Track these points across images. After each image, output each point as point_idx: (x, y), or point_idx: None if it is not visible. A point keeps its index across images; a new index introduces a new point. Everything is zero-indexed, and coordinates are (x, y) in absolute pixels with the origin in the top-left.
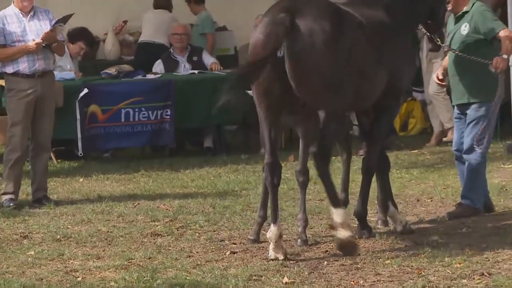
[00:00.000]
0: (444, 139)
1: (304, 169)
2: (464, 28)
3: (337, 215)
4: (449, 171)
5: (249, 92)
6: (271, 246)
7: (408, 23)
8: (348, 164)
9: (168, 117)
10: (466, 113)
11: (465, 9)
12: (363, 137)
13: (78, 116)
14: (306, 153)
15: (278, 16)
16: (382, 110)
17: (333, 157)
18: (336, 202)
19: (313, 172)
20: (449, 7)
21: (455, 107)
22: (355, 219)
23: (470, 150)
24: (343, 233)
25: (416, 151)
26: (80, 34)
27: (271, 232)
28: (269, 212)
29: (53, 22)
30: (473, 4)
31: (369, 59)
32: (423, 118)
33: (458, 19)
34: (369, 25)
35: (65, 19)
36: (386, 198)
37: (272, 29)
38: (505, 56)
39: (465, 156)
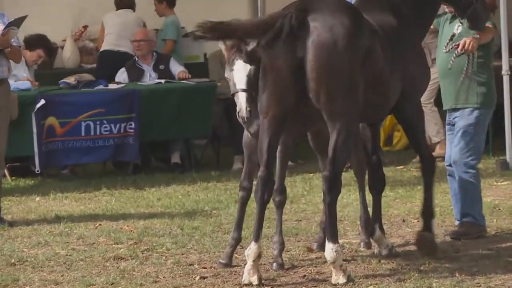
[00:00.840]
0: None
1: (281, 188)
2: (458, 28)
3: (331, 252)
4: (437, 189)
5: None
6: (247, 266)
7: (420, 25)
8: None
9: (132, 130)
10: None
11: None
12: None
13: (34, 130)
14: (284, 169)
15: (289, 14)
16: (407, 119)
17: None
18: (334, 238)
19: (289, 190)
20: (448, 8)
21: (447, 116)
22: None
23: (460, 162)
24: (335, 278)
25: (401, 167)
26: (39, 41)
27: (250, 250)
28: (244, 233)
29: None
30: None
31: (383, 66)
32: None
33: (453, 18)
34: (381, 30)
35: (18, 22)
36: (375, 220)
37: (288, 28)
38: (476, 36)
39: (454, 168)
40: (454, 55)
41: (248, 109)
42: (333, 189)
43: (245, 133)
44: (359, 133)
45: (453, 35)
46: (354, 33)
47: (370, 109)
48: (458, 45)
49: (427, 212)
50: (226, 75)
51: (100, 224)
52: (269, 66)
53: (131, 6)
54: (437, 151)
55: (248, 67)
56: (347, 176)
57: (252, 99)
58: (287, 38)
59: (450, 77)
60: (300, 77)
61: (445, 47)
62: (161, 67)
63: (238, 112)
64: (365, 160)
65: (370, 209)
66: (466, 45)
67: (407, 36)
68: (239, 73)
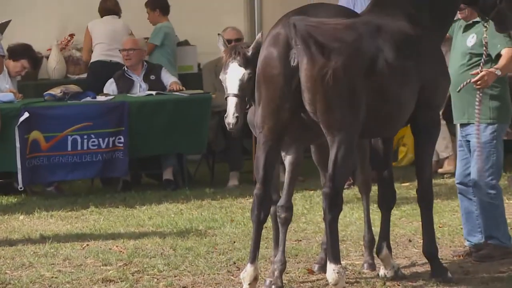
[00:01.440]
0: (440, 170)
1: (288, 204)
2: (471, 40)
3: (333, 274)
4: (445, 207)
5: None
6: None
7: (437, 30)
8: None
9: (122, 145)
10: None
11: (477, 18)
12: (376, 164)
13: (17, 145)
14: (292, 185)
15: (286, 24)
16: (420, 132)
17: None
18: (336, 258)
19: (296, 209)
20: (461, 14)
21: (459, 130)
22: (428, 259)
23: (479, 183)
24: None
25: (407, 184)
26: (23, 51)
27: (246, 272)
28: (240, 254)
29: None
30: None
31: (391, 76)
32: None
33: (467, 28)
34: (392, 37)
35: (1, 27)
36: (382, 238)
37: (283, 36)
38: (498, 72)
39: (474, 190)
40: (467, 81)
41: (235, 115)
42: (334, 206)
43: None
44: (367, 146)
45: (465, 46)
46: (355, 41)
47: (379, 122)
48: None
49: (429, 251)
50: (220, 77)
51: (87, 245)
52: (263, 76)
53: (117, 12)
54: (445, 167)
55: (242, 71)
56: (350, 193)
57: (243, 105)
58: (280, 46)
59: (462, 90)
60: (296, 87)
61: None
62: (152, 77)
63: (225, 117)
64: (375, 175)
65: (374, 228)
66: (482, 81)
67: (423, 41)
68: (232, 76)
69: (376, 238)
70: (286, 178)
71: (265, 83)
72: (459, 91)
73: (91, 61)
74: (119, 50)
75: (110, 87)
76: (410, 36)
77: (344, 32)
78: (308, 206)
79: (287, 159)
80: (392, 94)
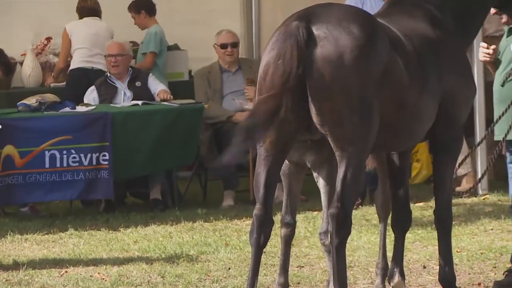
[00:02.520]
0: (457, 188)
1: (292, 221)
2: None
3: None
4: (463, 230)
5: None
6: None
7: (465, 33)
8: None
9: (106, 162)
10: None
11: None
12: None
13: None
14: (296, 199)
15: (291, 25)
16: (440, 148)
17: None
18: (343, 286)
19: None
20: (503, 18)
21: (506, 147)
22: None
23: None
24: None
25: (421, 204)
26: None
27: None
28: (236, 281)
29: None
30: None
31: (409, 85)
32: (431, 163)
33: (510, 32)
34: (411, 42)
35: None
36: (395, 263)
37: (286, 43)
38: None
39: None
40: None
41: None
42: (342, 229)
43: None
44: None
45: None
46: (365, 45)
47: (394, 134)
48: None
49: (446, 279)
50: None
51: (66, 271)
52: (265, 84)
53: (98, 13)
54: (463, 185)
55: None
56: (358, 214)
57: None
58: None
59: (508, 101)
60: (301, 96)
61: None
62: (138, 84)
63: None
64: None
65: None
66: None
67: (446, 47)
68: None
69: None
70: (285, 191)
71: (268, 91)
72: (503, 85)
73: (71, 68)
74: (104, 56)
75: (91, 95)
76: (431, 41)
77: (355, 35)
78: (311, 229)
79: (321, 182)
80: (410, 104)
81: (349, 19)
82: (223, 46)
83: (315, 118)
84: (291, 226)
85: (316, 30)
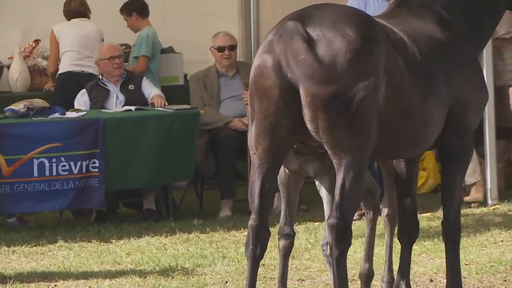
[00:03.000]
0: (466, 198)
1: (291, 232)
2: None
3: None
4: (472, 241)
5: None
6: None
7: (476, 36)
8: (374, 226)
9: (97, 170)
10: None
11: None
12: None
13: None
14: (294, 209)
15: (286, 24)
16: (448, 156)
17: None
18: None
19: (298, 243)
20: None
21: None
22: None
23: None
24: None
25: (428, 214)
26: None
27: None
28: None
29: None
30: None
31: (412, 89)
32: (438, 171)
33: None
34: (416, 44)
35: None
36: (401, 276)
37: (281, 42)
38: None
39: None
40: None
41: None
42: (341, 240)
43: (281, 169)
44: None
45: None
46: (360, 48)
47: (397, 141)
48: None
49: None
50: None
51: (55, 285)
52: (256, 88)
53: (86, 14)
54: (472, 195)
55: None
56: (361, 225)
57: None
58: (276, 54)
59: None
60: (294, 101)
61: None
62: (131, 87)
63: None
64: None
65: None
66: None
67: (455, 50)
68: None
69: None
70: (283, 201)
71: (258, 96)
72: None
73: (59, 72)
74: (106, 59)
75: (82, 98)
76: (439, 43)
77: (350, 38)
78: (313, 240)
79: (323, 191)
80: (413, 109)
81: (345, 21)
82: (220, 49)
83: (309, 125)
84: (290, 238)
85: (309, 33)
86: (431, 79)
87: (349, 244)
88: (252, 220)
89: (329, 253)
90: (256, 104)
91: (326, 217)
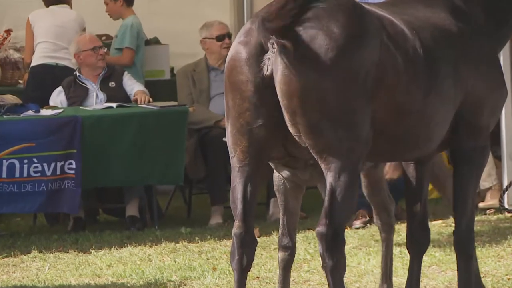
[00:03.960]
0: (481, 204)
1: (290, 243)
2: None
3: None
4: (487, 252)
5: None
6: None
7: (498, 29)
8: (390, 243)
9: (73, 172)
10: None
11: None
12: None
13: None
14: (294, 219)
15: (264, 14)
16: (461, 158)
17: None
18: None
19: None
20: None
21: None
22: None
23: None
24: None
25: (439, 222)
26: None
27: None
28: None
29: None
30: None
31: (410, 89)
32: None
33: None
34: (419, 36)
35: None
36: None
37: (258, 33)
38: None
39: None
40: None
41: None
42: (332, 250)
43: (276, 174)
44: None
45: None
46: (346, 46)
47: (396, 143)
48: None
49: None
50: None
51: None
52: (229, 82)
53: (68, 0)
54: (487, 201)
55: None
56: (365, 234)
57: None
58: (252, 45)
59: None
60: (271, 99)
61: None
62: (112, 84)
63: None
64: (398, 209)
65: (396, 279)
66: None
67: (470, 43)
68: None
69: None
70: (281, 211)
71: (231, 91)
72: None
73: (32, 64)
74: (84, 50)
75: (58, 97)
76: (451, 35)
77: (335, 35)
78: (312, 251)
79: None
80: (413, 108)
81: (332, 16)
82: (220, 38)
83: (290, 128)
84: (289, 249)
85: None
86: (435, 75)
87: (342, 253)
88: (236, 228)
89: None
90: (229, 100)
91: None
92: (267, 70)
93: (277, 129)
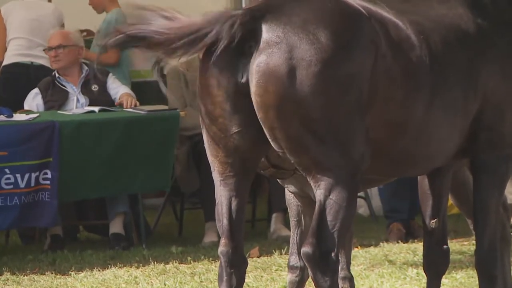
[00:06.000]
0: None
1: (301, 263)
2: None
3: None
4: None
5: None
6: None
7: None
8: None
9: (48, 182)
10: None
11: None
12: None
13: None
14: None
15: (234, 12)
16: (481, 168)
17: None
18: None
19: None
20: None
21: None
22: None
23: None
24: None
25: (461, 239)
26: None
27: None
28: None
29: None
30: None
31: (409, 103)
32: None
33: None
34: (427, 40)
35: None
36: None
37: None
38: None
39: None
40: None
41: None
42: (324, 272)
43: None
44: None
45: None
46: (332, 58)
47: (388, 162)
48: None
49: None
50: None
51: None
52: (200, 86)
53: None
54: None
55: None
56: (378, 253)
57: None
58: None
59: None
60: (247, 107)
61: None
62: (94, 87)
63: None
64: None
65: None
66: None
67: (492, 43)
68: None
69: None
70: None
71: (203, 95)
72: None
73: (4, 63)
74: (44, 50)
75: (34, 101)
76: (466, 34)
77: (321, 45)
78: None
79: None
80: (412, 122)
81: (321, 21)
82: None
83: (272, 144)
84: (297, 270)
85: (268, 32)
86: (441, 86)
87: (334, 273)
88: (222, 246)
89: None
90: (201, 106)
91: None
92: (242, 77)
93: (258, 139)
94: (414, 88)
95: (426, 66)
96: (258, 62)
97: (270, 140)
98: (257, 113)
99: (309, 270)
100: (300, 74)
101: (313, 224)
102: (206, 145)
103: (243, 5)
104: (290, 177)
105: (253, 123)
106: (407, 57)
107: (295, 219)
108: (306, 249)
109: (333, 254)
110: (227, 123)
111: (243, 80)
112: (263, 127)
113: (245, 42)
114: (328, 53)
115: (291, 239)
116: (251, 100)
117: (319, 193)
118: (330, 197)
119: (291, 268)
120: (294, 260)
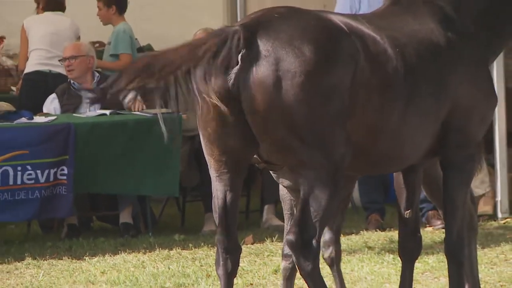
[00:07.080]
0: None
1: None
2: None
3: None
4: (481, 259)
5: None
6: None
7: (491, 39)
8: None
9: (65, 177)
10: None
11: None
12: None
13: None
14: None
15: (228, 30)
16: (450, 166)
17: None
18: None
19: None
20: None
21: None
22: None
23: None
24: None
25: (431, 227)
26: None
27: None
28: None
29: None
30: None
31: (385, 110)
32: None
33: None
34: (402, 53)
35: None
36: None
37: (214, 38)
38: None
39: None
40: None
41: None
42: (306, 257)
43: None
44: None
45: None
46: (315, 70)
47: (366, 162)
48: None
49: None
50: None
51: None
52: (196, 89)
53: (61, 6)
54: (481, 207)
55: None
56: (358, 240)
57: None
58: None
59: None
60: (238, 110)
61: None
62: None
63: None
64: (379, 217)
65: (389, 285)
66: None
67: (458, 54)
68: None
69: None
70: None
71: (199, 101)
72: None
73: (25, 71)
74: (59, 60)
75: (51, 105)
76: (437, 47)
77: (305, 58)
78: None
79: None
80: (389, 127)
81: (305, 37)
82: None
83: (261, 144)
84: (291, 258)
85: (259, 46)
86: (415, 94)
87: (315, 258)
88: (218, 234)
89: (325, 254)
90: (197, 108)
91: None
92: (233, 85)
93: (248, 140)
94: (391, 97)
95: (401, 76)
96: (248, 72)
97: (259, 141)
98: (246, 118)
99: (293, 256)
100: (285, 84)
101: (297, 215)
102: (203, 145)
103: (238, 12)
104: (284, 172)
105: (244, 126)
106: (384, 69)
107: (289, 212)
108: (289, 237)
109: (314, 242)
110: (220, 126)
111: (235, 87)
112: (252, 129)
113: (237, 54)
114: (311, 66)
115: (284, 230)
116: (242, 106)
117: (303, 188)
118: (313, 192)
119: (285, 256)
120: (288, 249)
